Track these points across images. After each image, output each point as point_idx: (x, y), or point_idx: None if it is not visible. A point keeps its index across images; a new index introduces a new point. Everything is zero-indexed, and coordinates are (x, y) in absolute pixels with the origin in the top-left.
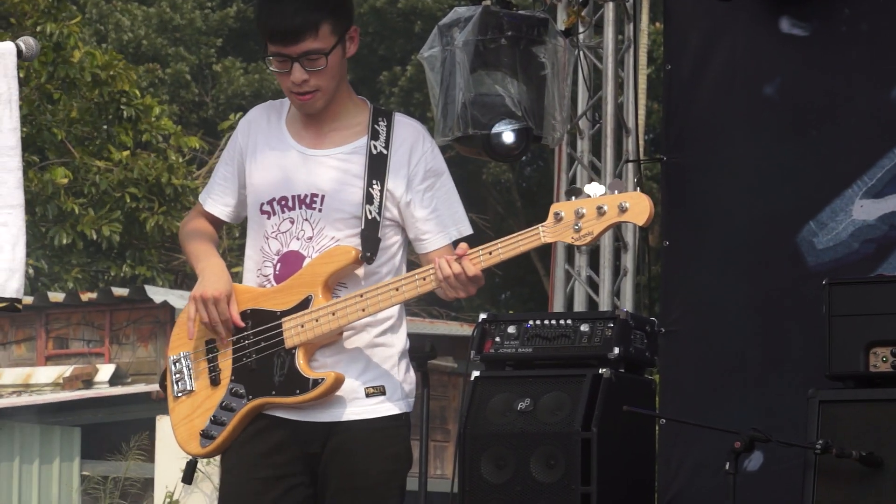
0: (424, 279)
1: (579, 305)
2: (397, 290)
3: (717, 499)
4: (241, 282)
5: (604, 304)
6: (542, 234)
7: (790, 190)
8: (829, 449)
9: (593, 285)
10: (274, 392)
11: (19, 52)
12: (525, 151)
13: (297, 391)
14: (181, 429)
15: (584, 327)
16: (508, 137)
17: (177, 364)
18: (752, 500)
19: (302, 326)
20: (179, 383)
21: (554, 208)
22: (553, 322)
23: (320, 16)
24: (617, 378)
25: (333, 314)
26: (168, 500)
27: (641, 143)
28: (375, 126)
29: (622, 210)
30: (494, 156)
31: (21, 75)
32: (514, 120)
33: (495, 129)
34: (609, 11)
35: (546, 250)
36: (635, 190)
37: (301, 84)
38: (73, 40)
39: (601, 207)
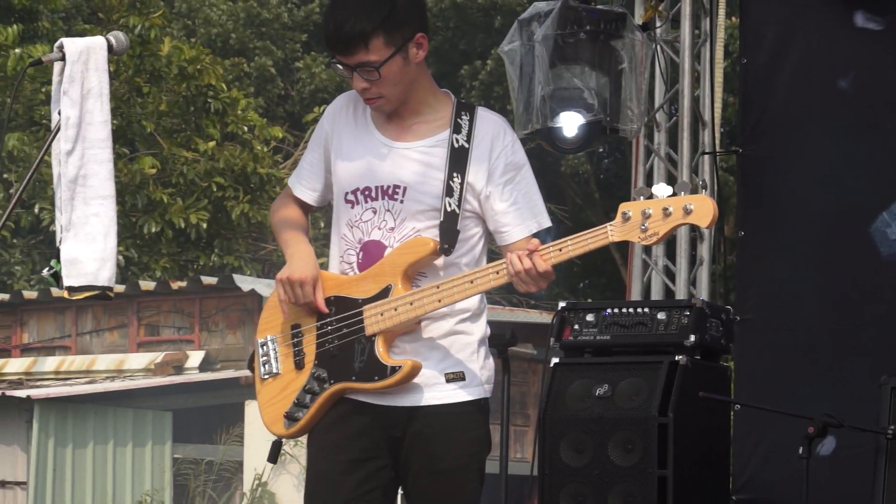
0: (497, 273)
1: (656, 294)
2: (472, 282)
3: (790, 482)
4: (326, 267)
5: (680, 293)
6: (611, 233)
7: (864, 181)
8: None
9: (670, 274)
10: (354, 378)
11: (109, 47)
12: (588, 145)
13: (376, 378)
14: (267, 410)
15: (661, 315)
16: (570, 131)
17: (264, 347)
18: (825, 483)
19: (381, 314)
20: (266, 366)
21: (622, 208)
22: (630, 310)
23: (370, 29)
24: (693, 365)
25: (411, 304)
26: (257, 482)
27: (717, 135)
28: (458, 120)
29: (687, 212)
30: (554, 147)
31: (111, 69)
32: (583, 112)
33: (556, 122)
34: (686, 6)
35: (624, 240)
36: (702, 191)
37: (363, 91)
38: (154, 33)
39: (667, 209)
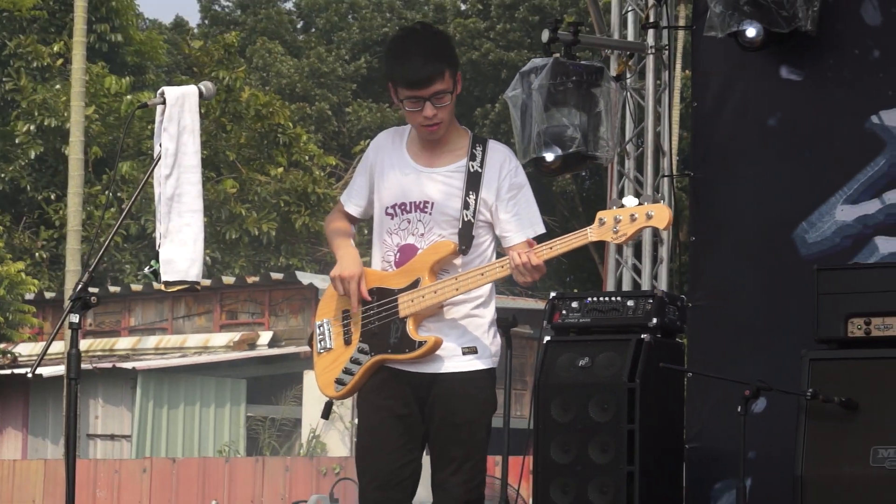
0: (502, 267)
1: (626, 286)
2: (482, 274)
3: (730, 434)
4: (370, 265)
5: (645, 285)
6: (590, 234)
7: (788, 198)
8: (816, 396)
9: (637, 270)
10: (390, 350)
11: (200, 94)
12: (565, 171)
13: (407, 350)
14: (322, 377)
15: (630, 302)
16: (549, 159)
17: (320, 327)
18: (758, 435)
19: (412, 301)
20: (322, 342)
21: (599, 215)
22: (606, 299)
23: (443, 64)
24: (655, 342)
25: (435, 292)
26: (312, 434)
27: (674, 162)
28: (474, 150)
29: (648, 217)
30: (540, 172)
31: (202, 111)
32: (567, 144)
33: (542, 153)
34: (650, 62)
35: (601, 243)
36: (661, 202)
37: (431, 118)
38: (238, 84)
39: (633, 215)
